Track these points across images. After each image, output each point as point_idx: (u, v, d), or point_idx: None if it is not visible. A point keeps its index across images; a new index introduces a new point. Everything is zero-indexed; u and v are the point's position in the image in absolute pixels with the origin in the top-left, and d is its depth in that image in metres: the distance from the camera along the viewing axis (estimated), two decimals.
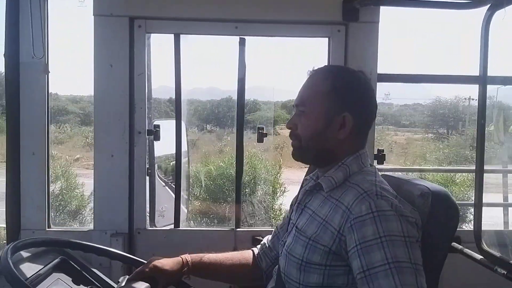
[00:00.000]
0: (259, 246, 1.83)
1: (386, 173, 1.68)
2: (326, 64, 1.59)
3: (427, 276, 1.29)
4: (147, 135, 2.43)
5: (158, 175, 2.86)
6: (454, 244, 2.23)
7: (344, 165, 1.45)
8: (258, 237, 2.36)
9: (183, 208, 2.87)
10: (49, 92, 2.43)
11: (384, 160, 2.47)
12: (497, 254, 1.92)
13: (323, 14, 2.41)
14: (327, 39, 2.47)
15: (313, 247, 1.38)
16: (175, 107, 2.49)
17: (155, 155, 2.58)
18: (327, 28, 2.43)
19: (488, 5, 2.09)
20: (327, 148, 1.47)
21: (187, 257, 1.70)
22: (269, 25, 2.44)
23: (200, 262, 1.71)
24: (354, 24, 2.40)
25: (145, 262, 1.67)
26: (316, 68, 1.54)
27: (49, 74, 2.39)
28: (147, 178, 2.48)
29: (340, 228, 1.33)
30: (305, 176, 1.73)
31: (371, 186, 1.35)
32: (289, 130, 1.54)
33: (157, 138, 2.46)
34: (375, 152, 2.46)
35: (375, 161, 2.47)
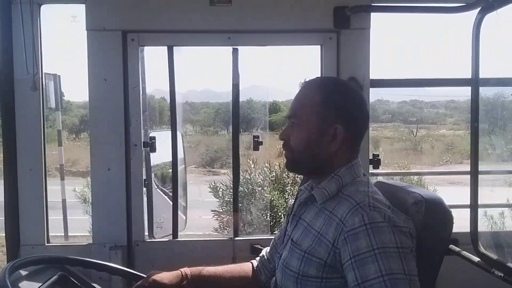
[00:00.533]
0: (258, 258, 1.84)
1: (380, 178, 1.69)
2: (318, 76, 1.59)
3: (423, 283, 1.30)
4: (143, 147, 2.44)
5: (156, 184, 2.87)
6: (452, 246, 2.24)
7: (337, 176, 1.46)
8: (256, 246, 2.37)
9: (182, 216, 2.88)
10: (45, 107, 2.44)
11: (380, 165, 2.49)
12: (494, 256, 1.93)
13: (314, 22, 2.42)
14: (319, 46, 2.48)
15: (309, 260, 1.38)
16: (170, 116, 2.50)
17: (151, 166, 2.58)
18: (319, 36, 2.45)
19: (479, 8, 2.10)
20: (319, 159, 1.48)
21: (186, 270, 1.70)
22: (261, 34, 2.46)
23: (199, 275, 1.71)
24: (346, 31, 2.41)
25: (145, 276, 1.67)
26: (307, 79, 1.55)
27: (44, 89, 2.41)
28: (144, 189, 2.49)
29: (334, 241, 1.33)
30: (299, 186, 1.74)
31: (363, 197, 1.36)
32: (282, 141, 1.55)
33: (153, 150, 2.48)
34: (370, 157, 2.48)
35: (371, 166, 2.49)
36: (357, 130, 1.49)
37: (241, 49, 2.46)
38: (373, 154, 2.49)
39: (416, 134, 26.46)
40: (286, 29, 2.45)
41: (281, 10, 2.41)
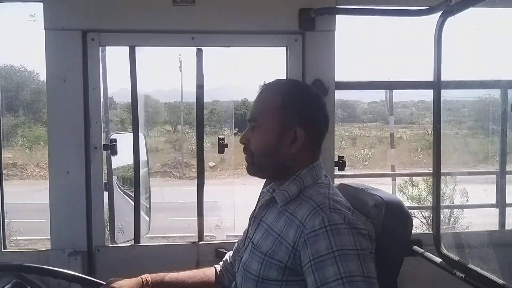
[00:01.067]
0: (221, 262, 1.81)
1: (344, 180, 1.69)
2: (277, 78, 1.58)
3: (383, 285, 1.30)
4: (104, 149, 2.37)
5: (120, 187, 2.80)
6: (416, 247, 2.26)
7: (298, 178, 1.45)
8: (221, 250, 2.34)
9: (146, 219, 2.82)
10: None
11: (345, 166, 2.49)
12: (456, 257, 1.95)
13: (279, 23, 2.41)
14: (285, 48, 2.47)
15: (269, 263, 1.36)
16: (132, 118, 2.44)
17: (113, 169, 2.51)
18: (284, 37, 2.43)
19: (440, 12, 2.13)
20: (280, 162, 1.46)
21: (147, 277, 1.66)
22: (226, 35, 2.42)
23: (161, 281, 1.67)
24: (311, 33, 2.41)
25: (104, 283, 1.62)
26: (267, 82, 1.53)
27: None
28: (106, 193, 2.42)
29: (294, 244, 1.32)
30: (262, 188, 1.72)
31: (324, 199, 1.35)
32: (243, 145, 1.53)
33: (114, 152, 2.41)
34: (336, 159, 2.48)
35: (336, 168, 2.48)
36: (317, 132, 1.49)
37: (211, 49, 2.43)
38: (338, 156, 2.49)
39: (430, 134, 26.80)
40: (251, 30, 2.43)
41: (246, 11, 2.38)
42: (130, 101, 2.43)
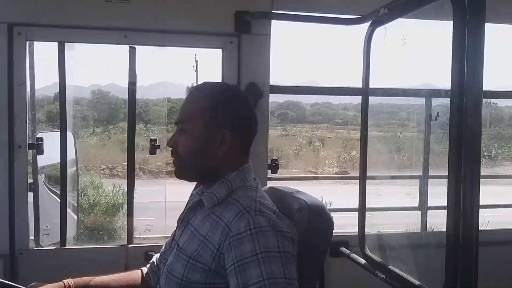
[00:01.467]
0: (148, 265, 1.79)
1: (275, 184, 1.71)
2: (205, 81, 1.58)
3: (305, 286, 1.34)
4: (29, 149, 2.27)
5: (48, 187, 2.69)
6: (343, 249, 2.33)
7: (227, 180, 1.46)
8: (150, 253, 2.29)
9: (74, 217, 2.73)
10: None
11: (278, 169, 2.53)
12: (378, 259, 2.04)
13: (215, 25, 2.41)
14: (220, 50, 2.47)
15: (193, 266, 1.37)
16: (60, 117, 2.35)
17: (39, 169, 2.41)
18: (220, 39, 2.43)
19: (370, 22, 2.21)
20: (208, 165, 1.47)
21: (70, 281, 1.61)
22: (160, 34, 2.39)
23: (84, 286, 1.63)
24: (246, 36, 2.42)
25: None
26: (194, 85, 1.53)
27: None
28: (31, 194, 2.31)
29: (219, 246, 1.33)
30: (193, 190, 1.72)
31: (251, 202, 1.37)
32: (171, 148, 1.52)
33: (40, 152, 2.31)
34: (269, 162, 2.51)
35: (269, 171, 2.52)
36: (245, 135, 1.50)
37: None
38: (272, 159, 2.52)
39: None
40: (187, 31, 2.41)
41: (181, 11, 2.36)
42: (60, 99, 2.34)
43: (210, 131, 1.44)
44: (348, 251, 2.29)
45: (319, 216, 1.48)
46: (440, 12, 1.59)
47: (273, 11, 2.43)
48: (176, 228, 1.61)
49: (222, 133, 1.43)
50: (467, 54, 1.37)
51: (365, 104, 2.27)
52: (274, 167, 2.52)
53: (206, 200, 1.45)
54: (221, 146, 1.44)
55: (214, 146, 1.44)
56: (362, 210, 2.23)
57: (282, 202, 1.54)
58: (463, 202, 1.33)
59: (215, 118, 1.44)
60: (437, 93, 2.49)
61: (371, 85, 2.29)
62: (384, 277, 1.90)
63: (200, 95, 1.49)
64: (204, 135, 1.44)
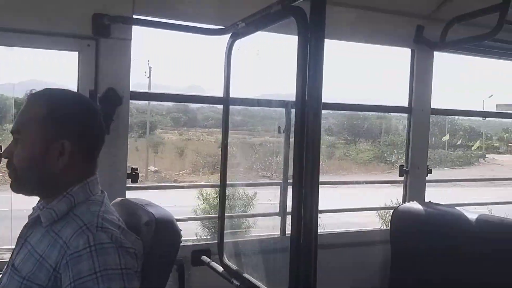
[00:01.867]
0: None
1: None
2: (46, 88, 1.47)
3: None
4: None
5: None
6: (203, 257, 2.34)
7: (69, 195, 1.37)
8: None
9: None
10: None
11: (138, 178, 2.45)
12: (234, 267, 2.07)
13: (71, 26, 2.26)
14: (76, 53, 2.33)
15: None
16: None
17: None
18: (75, 41, 2.30)
19: (230, 34, 2.27)
20: (46, 178, 1.37)
21: None
22: (9, 33, 2.18)
23: None
24: (105, 40, 2.32)
25: None
26: (34, 91, 1.42)
27: None
28: None
29: (56, 265, 1.25)
30: (37, 203, 1.59)
31: (93, 217, 1.31)
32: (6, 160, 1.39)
33: None
34: (129, 171, 2.42)
35: (129, 180, 2.43)
36: (90, 145, 1.43)
37: None
38: (132, 168, 2.44)
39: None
40: (39, 31, 2.23)
41: (33, 9, 2.18)
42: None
43: (47, 141, 1.34)
44: (208, 260, 2.30)
45: (166, 229, 1.48)
46: (293, 28, 1.68)
47: (134, 16, 2.36)
48: (15, 246, 1.48)
49: (61, 144, 1.35)
50: (309, 68, 1.46)
51: (226, 113, 2.31)
52: (134, 176, 2.44)
53: (44, 217, 1.35)
54: (61, 157, 1.35)
55: (53, 158, 1.35)
56: (221, 217, 2.26)
57: (133, 215, 1.52)
58: (304, 207, 1.40)
59: (52, 127, 1.35)
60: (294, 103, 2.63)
61: (234, 95, 2.35)
62: (239, 284, 1.94)
63: (38, 102, 1.38)
64: (40, 146, 1.34)
